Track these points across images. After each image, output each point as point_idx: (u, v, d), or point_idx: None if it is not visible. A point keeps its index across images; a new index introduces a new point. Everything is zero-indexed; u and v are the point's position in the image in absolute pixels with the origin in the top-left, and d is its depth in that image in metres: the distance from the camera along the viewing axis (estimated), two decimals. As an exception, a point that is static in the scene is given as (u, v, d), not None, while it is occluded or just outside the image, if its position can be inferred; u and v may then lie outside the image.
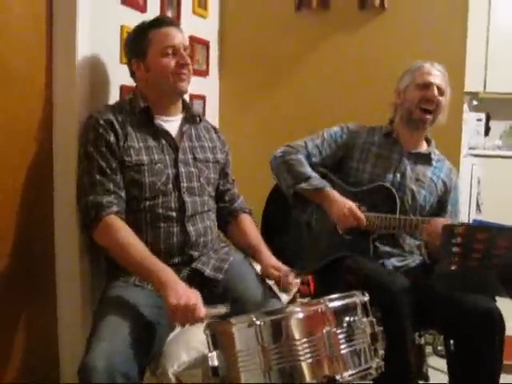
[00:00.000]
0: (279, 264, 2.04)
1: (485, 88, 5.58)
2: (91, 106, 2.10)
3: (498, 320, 2.01)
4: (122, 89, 2.33)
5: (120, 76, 2.33)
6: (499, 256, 1.50)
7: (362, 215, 2.29)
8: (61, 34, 2.05)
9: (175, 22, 2.20)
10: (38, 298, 2.08)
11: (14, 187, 1.94)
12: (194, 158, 2.10)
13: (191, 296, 1.71)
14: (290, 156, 2.45)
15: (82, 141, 2.00)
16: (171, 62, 2.02)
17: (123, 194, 1.96)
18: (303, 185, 2.39)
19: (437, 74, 2.40)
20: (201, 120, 2.21)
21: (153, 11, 2.56)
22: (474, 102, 5.04)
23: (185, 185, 2.04)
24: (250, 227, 2.26)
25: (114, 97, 2.30)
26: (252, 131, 3.31)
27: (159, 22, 2.07)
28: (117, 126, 1.97)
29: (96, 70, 2.16)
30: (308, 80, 3.28)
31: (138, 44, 2.05)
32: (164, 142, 2.04)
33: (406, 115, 2.42)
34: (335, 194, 2.36)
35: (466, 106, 3.51)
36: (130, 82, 2.18)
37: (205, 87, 3.20)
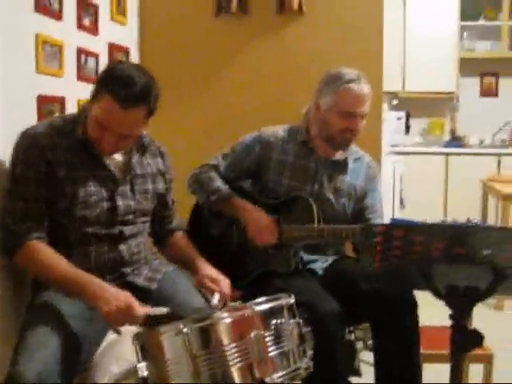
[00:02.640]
0: (216, 275, 2.03)
1: (404, 87, 5.80)
2: (6, 119, 2.03)
3: (412, 303, 2.15)
4: (39, 99, 2.27)
5: (36, 86, 2.27)
6: (417, 252, 1.55)
7: (275, 235, 2.28)
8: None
9: (135, 100, 1.78)
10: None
11: None
12: (133, 190, 2.01)
13: (121, 298, 1.69)
14: (202, 174, 2.45)
15: (12, 159, 1.89)
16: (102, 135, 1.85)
17: (45, 222, 1.88)
18: (212, 198, 2.38)
19: (363, 101, 2.26)
20: (148, 147, 2.10)
21: (69, 19, 2.51)
22: (394, 102, 5.21)
23: (119, 218, 1.97)
24: (185, 243, 2.23)
25: (30, 107, 2.24)
26: (174, 138, 3.27)
27: (122, 96, 1.77)
28: (49, 155, 1.85)
29: (10, 80, 2.08)
30: (230, 85, 3.30)
31: (96, 89, 1.84)
32: (102, 172, 1.94)
33: (327, 137, 2.34)
34: (247, 205, 2.34)
35: (385, 106, 3.61)
36: (46, 92, 2.12)
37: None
